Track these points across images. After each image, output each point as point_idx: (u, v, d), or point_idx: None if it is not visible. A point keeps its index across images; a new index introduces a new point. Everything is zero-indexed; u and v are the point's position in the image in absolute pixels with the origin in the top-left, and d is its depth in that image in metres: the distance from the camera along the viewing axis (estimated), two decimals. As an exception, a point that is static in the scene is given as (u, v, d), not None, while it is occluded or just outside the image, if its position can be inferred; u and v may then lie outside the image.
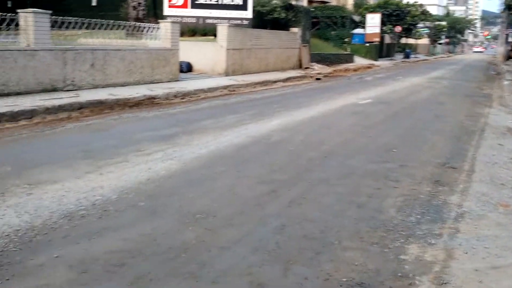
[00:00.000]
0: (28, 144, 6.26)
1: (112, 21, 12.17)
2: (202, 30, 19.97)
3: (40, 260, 3.02)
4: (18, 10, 9.83)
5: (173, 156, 5.68)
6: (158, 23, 13.71)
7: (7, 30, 9.53)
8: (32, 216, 3.69)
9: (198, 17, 18.72)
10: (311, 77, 18.80)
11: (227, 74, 16.09)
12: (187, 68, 16.00)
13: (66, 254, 3.11)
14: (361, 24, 36.57)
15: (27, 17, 9.64)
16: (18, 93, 9.05)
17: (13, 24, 9.49)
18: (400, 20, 39.76)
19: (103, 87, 10.87)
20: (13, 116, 7.57)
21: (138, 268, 2.97)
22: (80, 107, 8.69)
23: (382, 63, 32.14)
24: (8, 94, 8.86)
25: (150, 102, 10.14)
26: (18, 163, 5.20)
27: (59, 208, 3.89)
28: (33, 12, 9.74)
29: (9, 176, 4.70)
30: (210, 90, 12.44)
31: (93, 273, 2.90)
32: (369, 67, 27.34)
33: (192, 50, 16.14)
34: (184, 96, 11.34)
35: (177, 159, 5.58)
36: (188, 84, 12.79)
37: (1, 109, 7.58)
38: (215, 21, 17.88)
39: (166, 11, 18.56)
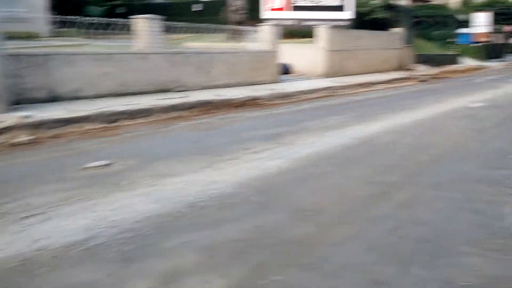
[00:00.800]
0: (147, 140, 6.80)
1: (214, 25, 12.74)
2: (300, 32, 20.12)
3: (170, 244, 3.32)
4: (131, 16, 10.65)
5: (280, 155, 5.85)
6: (257, 26, 14.07)
7: (124, 34, 10.40)
8: (157, 205, 4.04)
9: (296, 19, 18.89)
10: (415, 78, 18.14)
11: (326, 75, 16.08)
12: (286, 70, 16.20)
13: (192, 240, 3.38)
14: (466, 23, 34.47)
15: (140, 23, 10.42)
16: (132, 94, 9.82)
17: (125, 29, 10.33)
18: (509, 19, 36.87)
19: (207, 89, 11.42)
20: (131, 114, 8.25)
21: (257, 256, 3.15)
22: (190, 107, 9.23)
23: (492, 64, 30.04)
24: (125, 94, 9.65)
25: (253, 102, 10.48)
26: (140, 157, 5.69)
27: (180, 199, 4.21)
28: (146, 18, 10.50)
29: (134, 169, 5.17)
30: (310, 91, 12.53)
31: (218, 258, 3.13)
32: (477, 69, 25.71)
33: (290, 52, 16.31)
34: (285, 97, 11.54)
35: (283, 157, 5.74)
36: (288, 86, 12.99)
37: (121, 107, 8.31)
38: (313, 22, 17.93)
39: (265, 14, 18.97)
